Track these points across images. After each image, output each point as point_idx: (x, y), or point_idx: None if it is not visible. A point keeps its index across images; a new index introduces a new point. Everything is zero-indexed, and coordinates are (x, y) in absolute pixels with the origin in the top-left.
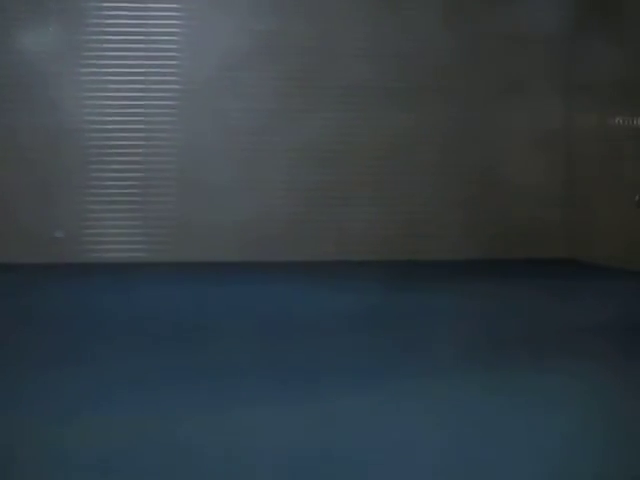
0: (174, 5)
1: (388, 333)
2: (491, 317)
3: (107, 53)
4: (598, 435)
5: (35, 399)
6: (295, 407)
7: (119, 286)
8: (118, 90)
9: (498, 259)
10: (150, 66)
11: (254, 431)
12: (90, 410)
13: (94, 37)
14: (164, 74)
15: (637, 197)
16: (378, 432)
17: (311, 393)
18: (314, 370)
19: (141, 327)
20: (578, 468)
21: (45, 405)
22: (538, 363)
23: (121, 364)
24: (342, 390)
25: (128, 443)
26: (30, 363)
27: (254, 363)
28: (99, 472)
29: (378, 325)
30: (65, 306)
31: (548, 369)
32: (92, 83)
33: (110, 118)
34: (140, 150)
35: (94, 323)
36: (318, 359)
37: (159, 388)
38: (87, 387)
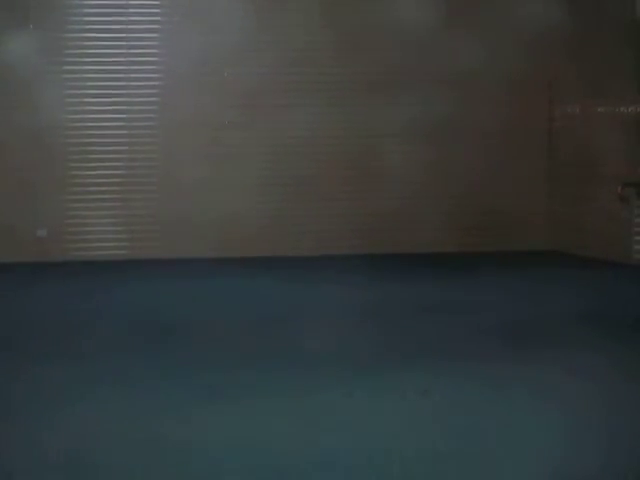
0: (154, 2)
1: (379, 325)
2: (476, 309)
3: (88, 50)
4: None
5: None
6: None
7: (103, 284)
8: (99, 87)
9: (480, 252)
10: (131, 63)
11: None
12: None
13: (75, 34)
14: (145, 71)
15: (619, 189)
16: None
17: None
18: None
19: (122, 325)
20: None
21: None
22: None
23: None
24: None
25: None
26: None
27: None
28: None
29: (369, 317)
30: (47, 305)
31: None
32: (73, 80)
33: (92, 116)
34: (122, 148)
35: (85, 320)
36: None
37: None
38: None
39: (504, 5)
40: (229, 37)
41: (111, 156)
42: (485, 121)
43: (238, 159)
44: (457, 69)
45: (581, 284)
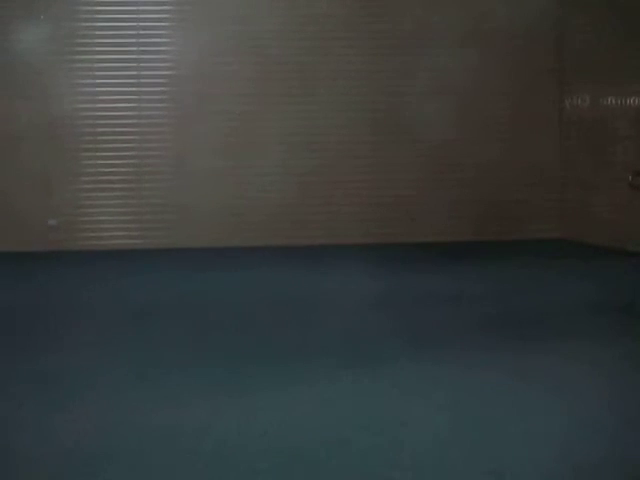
0: None
1: (398, 316)
2: (491, 298)
3: (99, 40)
4: None
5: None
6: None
7: (113, 274)
8: (110, 77)
9: (492, 240)
10: (142, 52)
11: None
12: None
13: (86, 24)
14: (156, 60)
15: (630, 177)
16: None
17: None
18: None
19: (131, 314)
20: None
21: None
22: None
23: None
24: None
25: None
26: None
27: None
28: None
29: (379, 307)
30: (60, 294)
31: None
32: (84, 70)
33: (103, 105)
34: (133, 137)
35: (93, 308)
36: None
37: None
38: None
39: None
40: (239, 27)
41: (122, 146)
42: (497, 110)
43: (249, 148)
44: (464, 58)
45: (592, 273)
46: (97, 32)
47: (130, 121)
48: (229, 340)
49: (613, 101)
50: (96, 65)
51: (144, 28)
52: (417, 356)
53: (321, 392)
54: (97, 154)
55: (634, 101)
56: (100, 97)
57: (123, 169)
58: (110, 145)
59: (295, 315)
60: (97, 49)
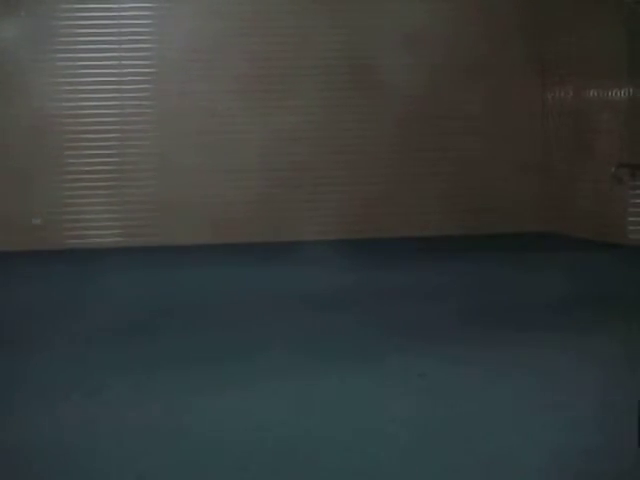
0: None
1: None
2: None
3: (80, 38)
4: None
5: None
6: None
7: (96, 273)
8: (92, 75)
9: (475, 234)
10: (123, 50)
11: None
12: None
13: (67, 22)
14: (137, 58)
15: (613, 170)
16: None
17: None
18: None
19: (112, 317)
20: None
21: None
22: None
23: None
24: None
25: None
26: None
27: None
28: None
29: (361, 304)
30: (45, 294)
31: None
32: (67, 68)
33: (86, 103)
34: (115, 135)
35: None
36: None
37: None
38: None
39: None
40: (221, 22)
41: (105, 144)
42: (480, 104)
43: (232, 145)
44: (450, 53)
45: (575, 266)
46: (78, 30)
47: (113, 119)
48: (212, 338)
49: (596, 94)
50: (78, 63)
51: (126, 25)
52: (402, 351)
53: (304, 388)
54: (80, 152)
55: (617, 93)
56: (82, 95)
57: (106, 167)
58: (93, 143)
59: (275, 311)
60: (79, 47)
